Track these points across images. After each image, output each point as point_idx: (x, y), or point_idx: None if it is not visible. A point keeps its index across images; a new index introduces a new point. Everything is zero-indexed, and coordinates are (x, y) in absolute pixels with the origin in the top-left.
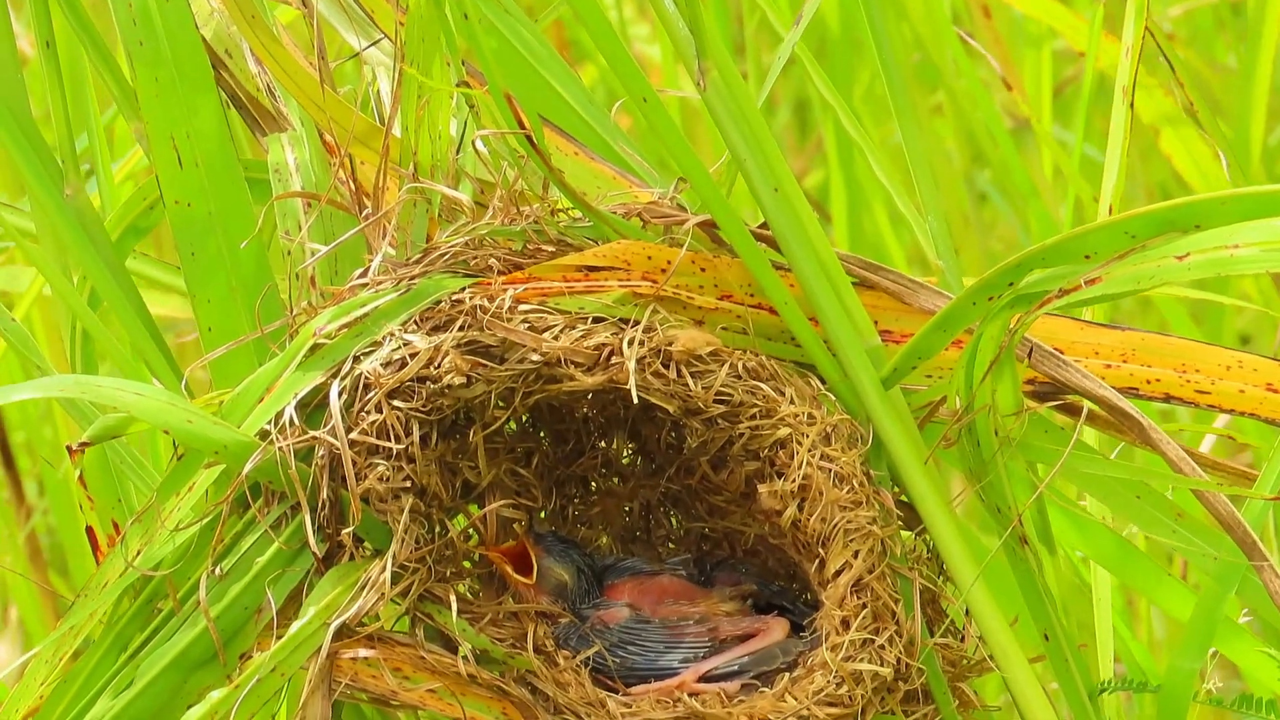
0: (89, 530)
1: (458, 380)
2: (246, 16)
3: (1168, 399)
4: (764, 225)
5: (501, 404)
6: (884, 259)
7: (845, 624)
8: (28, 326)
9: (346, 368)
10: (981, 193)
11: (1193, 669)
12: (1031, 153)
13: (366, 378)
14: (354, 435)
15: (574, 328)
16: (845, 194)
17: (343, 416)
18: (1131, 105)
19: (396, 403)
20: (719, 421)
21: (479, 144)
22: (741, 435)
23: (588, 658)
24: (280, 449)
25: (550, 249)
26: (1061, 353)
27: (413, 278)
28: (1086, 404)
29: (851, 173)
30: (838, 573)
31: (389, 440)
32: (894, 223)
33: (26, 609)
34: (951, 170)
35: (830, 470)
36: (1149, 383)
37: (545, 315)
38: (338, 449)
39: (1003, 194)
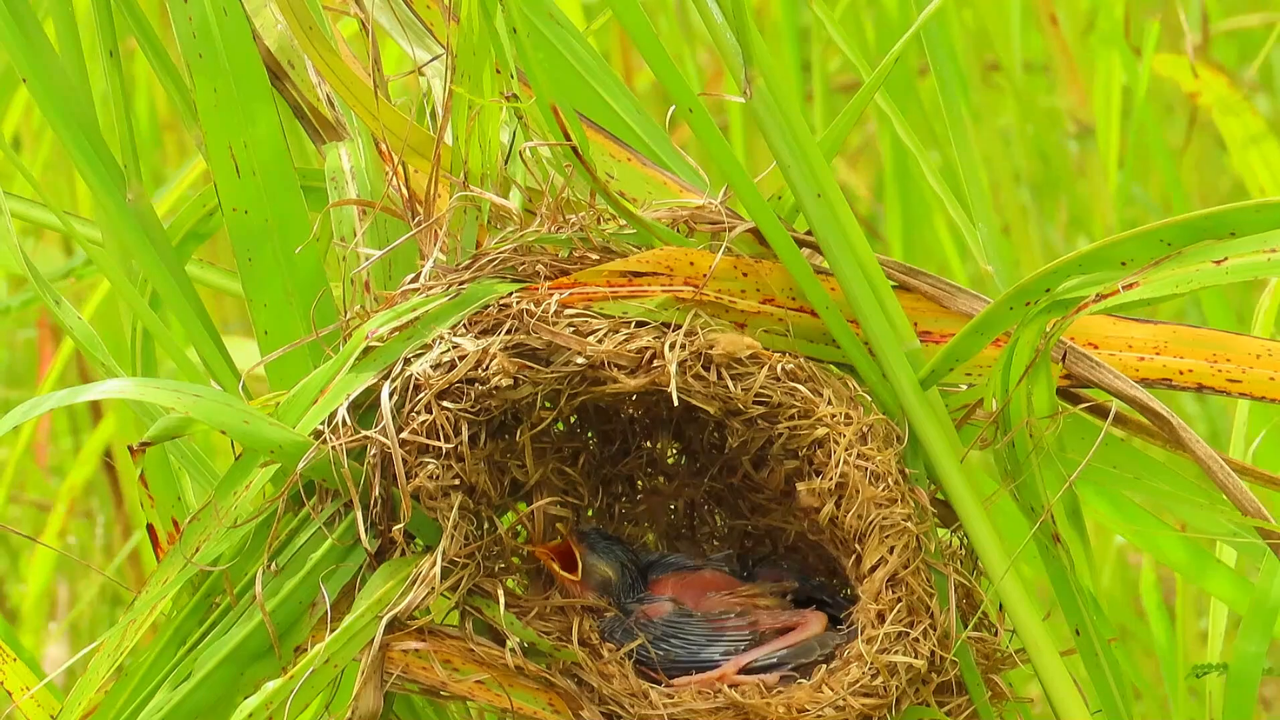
0: (150, 528)
1: (505, 382)
2: (305, 28)
3: (1200, 388)
4: (807, 231)
5: (548, 405)
6: (944, 273)
7: (880, 617)
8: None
9: (398, 370)
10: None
11: (1259, 652)
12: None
13: (417, 379)
14: (405, 435)
15: (617, 331)
16: (900, 209)
17: (394, 417)
18: None
19: (446, 403)
20: (759, 422)
21: (528, 153)
22: (781, 435)
23: (631, 650)
24: (334, 448)
25: (595, 255)
26: (1096, 347)
27: (462, 283)
28: (1115, 404)
29: (906, 187)
30: (873, 568)
31: (439, 440)
32: (954, 234)
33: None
34: (1016, 176)
35: (866, 469)
36: (1182, 373)
37: (590, 319)
38: (389, 448)
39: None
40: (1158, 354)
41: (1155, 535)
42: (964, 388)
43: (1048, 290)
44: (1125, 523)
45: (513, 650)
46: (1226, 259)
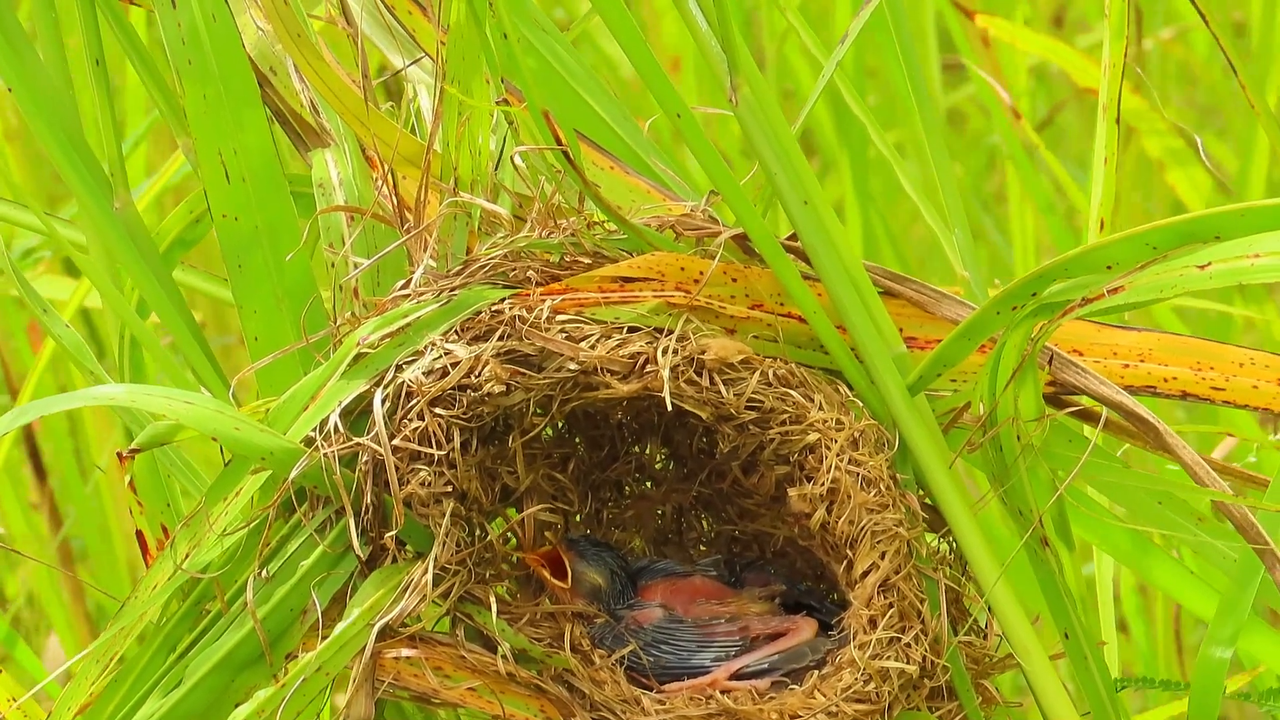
0: (139, 534)
1: (497, 388)
2: (292, 34)
3: (1185, 396)
4: (793, 237)
5: (539, 411)
6: None
7: (872, 623)
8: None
9: (389, 376)
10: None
11: (1223, 659)
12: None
13: (409, 386)
14: (397, 442)
15: (610, 337)
16: (859, 216)
17: (386, 424)
18: (1117, 120)
19: (438, 410)
20: (750, 427)
21: (517, 159)
22: (772, 440)
23: (623, 657)
24: (325, 455)
25: (587, 261)
26: (1081, 354)
27: (453, 289)
28: (1105, 410)
29: (866, 195)
30: (865, 573)
31: (431, 447)
32: (894, 247)
33: (57, 618)
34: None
35: (858, 474)
36: (1166, 381)
37: (582, 325)
38: (381, 455)
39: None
40: (1142, 361)
41: (1124, 541)
42: (949, 394)
43: (1034, 294)
44: (1097, 529)
45: (504, 657)
46: (1210, 264)
